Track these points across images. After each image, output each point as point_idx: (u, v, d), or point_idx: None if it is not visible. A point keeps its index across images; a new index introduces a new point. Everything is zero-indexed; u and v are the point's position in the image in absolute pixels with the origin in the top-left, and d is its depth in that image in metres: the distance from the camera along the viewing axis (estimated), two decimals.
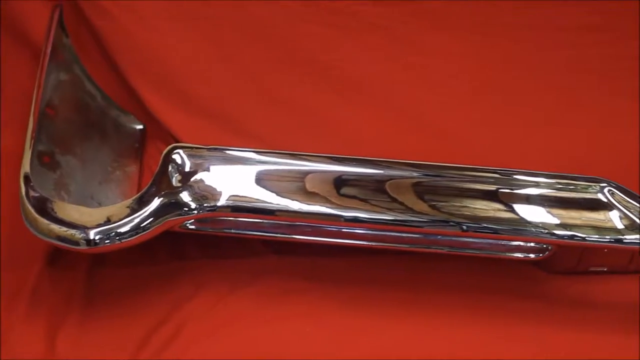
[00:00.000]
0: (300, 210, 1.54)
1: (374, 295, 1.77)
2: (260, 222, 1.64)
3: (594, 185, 1.59)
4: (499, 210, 1.57)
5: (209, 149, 1.57)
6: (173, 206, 1.52)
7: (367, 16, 1.89)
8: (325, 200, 1.55)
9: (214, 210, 1.54)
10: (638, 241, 1.57)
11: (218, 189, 1.54)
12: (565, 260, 1.80)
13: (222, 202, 1.54)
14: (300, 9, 1.87)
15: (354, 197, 1.55)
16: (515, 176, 1.59)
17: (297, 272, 1.79)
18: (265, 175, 1.55)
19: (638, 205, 1.57)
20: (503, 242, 1.67)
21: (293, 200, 1.54)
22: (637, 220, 1.56)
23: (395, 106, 1.92)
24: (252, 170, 1.55)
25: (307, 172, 1.56)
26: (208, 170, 1.55)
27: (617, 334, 1.73)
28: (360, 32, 1.90)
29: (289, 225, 1.64)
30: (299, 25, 1.88)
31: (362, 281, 1.79)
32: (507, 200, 1.57)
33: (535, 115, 1.94)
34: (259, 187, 1.54)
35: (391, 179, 1.56)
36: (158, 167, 1.55)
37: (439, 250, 1.69)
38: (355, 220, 1.55)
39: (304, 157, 1.57)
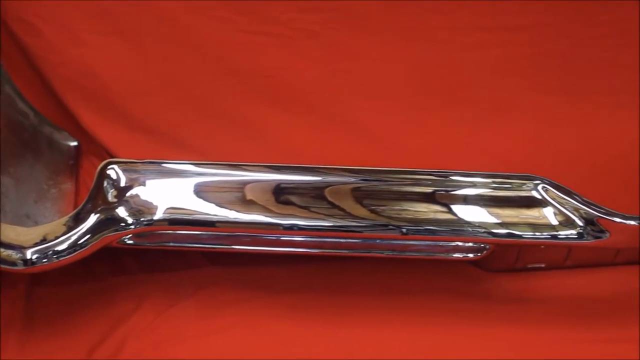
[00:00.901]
0: (239, 220, 1.56)
1: (316, 301, 1.80)
2: (199, 234, 1.65)
3: (528, 183, 1.62)
4: (438, 211, 1.60)
5: (143, 163, 1.58)
6: (110, 222, 1.53)
7: (299, 23, 1.90)
8: (264, 210, 1.56)
9: (151, 224, 1.55)
10: (574, 236, 1.61)
11: (154, 203, 1.55)
12: (503, 258, 1.86)
13: (158, 215, 1.55)
14: (231, 18, 1.88)
15: (293, 205, 1.57)
16: (451, 177, 1.62)
17: (238, 282, 1.82)
18: (204, 187, 1.56)
19: (572, 200, 1.61)
20: (442, 244, 1.70)
21: (232, 210, 1.56)
22: (571, 215, 1.61)
23: (330, 112, 1.94)
24: (190, 183, 1.56)
25: (245, 182, 1.57)
26: (144, 184, 1.56)
27: (556, 328, 1.79)
28: (293, 39, 1.91)
29: (228, 236, 1.65)
30: (231, 35, 1.89)
31: (303, 288, 1.83)
32: (445, 202, 1.60)
33: (466, 115, 1.97)
34: (197, 199, 1.56)
35: (330, 186, 1.58)
36: (93, 183, 1.55)
37: (378, 255, 1.71)
38: (296, 228, 1.57)
39: (242, 167, 1.59)
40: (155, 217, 1.55)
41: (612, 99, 1.99)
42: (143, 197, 1.56)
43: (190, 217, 1.56)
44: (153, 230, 1.58)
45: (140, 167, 1.57)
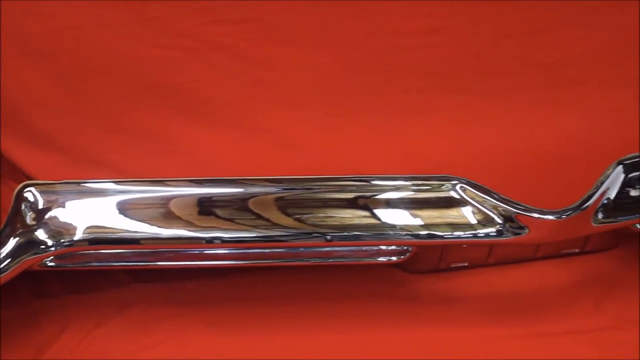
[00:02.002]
0: (163, 236, 1.60)
1: (243, 313, 1.84)
2: (121, 252, 1.68)
3: (447, 184, 1.68)
4: (360, 216, 1.66)
5: (61, 184, 1.61)
6: (29, 245, 1.56)
7: (208, 36, 1.93)
8: (189, 224, 1.61)
9: (72, 245, 1.58)
10: (493, 234, 1.68)
11: (74, 224, 1.58)
12: (427, 259, 1.92)
13: (78, 236, 1.58)
14: (142, 34, 1.90)
15: (218, 217, 1.62)
16: (372, 182, 1.68)
17: (164, 298, 1.85)
18: (125, 204, 1.60)
19: (490, 199, 1.68)
20: (365, 248, 1.76)
21: (155, 227, 1.60)
22: (490, 213, 1.68)
23: (247, 123, 1.97)
24: (111, 201, 1.59)
25: (168, 198, 1.61)
26: (63, 205, 1.59)
27: (482, 325, 1.86)
28: (204, 52, 1.94)
29: (152, 252, 1.68)
30: (142, 51, 1.91)
31: (230, 301, 1.87)
32: (367, 206, 1.66)
33: (385, 119, 2.02)
34: (118, 218, 1.59)
35: (253, 197, 1.63)
36: (11, 207, 1.58)
37: (304, 263, 1.75)
38: (221, 240, 1.62)
39: (163, 182, 1.63)
40: (76, 238, 1.58)
41: (527, 96, 2.06)
42: (62, 218, 1.58)
43: (112, 236, 1.59)
44: (74, 251, 1.60)
45: (58, 188, 1.60)
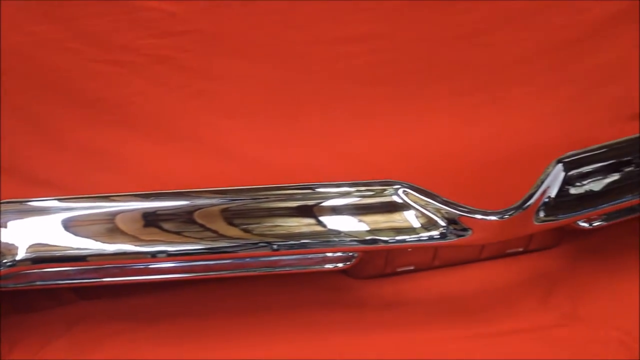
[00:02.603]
0: (109, 252, 1.63)
1: (192, 326, 1.87)
2: (66, 270, 1.69)
3: (389, 189, 1.73)
4: (306, 224, 1.71)
5: (4, 204, 1.62)
6: None
7: (150, 49, 1.95)
8: (135, 239, 1.64)
9: (14, 265, 1.60)
10: (437, 237, 1.74)
11: (16, 243, 1.60)
12: (372, 265, 1.96)
13: (21, 255, 1.60)
14: (81, 49, 1.91)
15: (165, 231, 1.65)
16: (317, 189, 1.73)
17: (111, 314, 1.87)
18: (69, 222, 1.63)
19: (433, 202, 1.73)
20: (311, 256, 1.80)
21: (101, 243, 1.62)
22: (433, 216, 1.73)
23: (191, 135, 2.00)
24: (56, 219, 1.62)
25: (114, 213, 1.64)
26: (5, 225, 1.61)
27: (431, 328, 1.90)
28: (146, 65, 1.96)
29: (97, 269, 1.70)
30: (83, 66, 1.93)
31: (176, 314, 1.89)
32: (312, 214, 1.71)
33: (328, 126, 2.06)
34: (63, 235, 1.62)
35: (199, 209, 1.67)
36: None
37: (251, 273, 1.79)
38: (167, 254, 1.65)
39: (108, 198, 1.66)
40: (18, 258, 1.60)
41: (470, 99, 2.13)
42: (4, 238, 1.60)
43: (57, 254, 1.62)
44: (17, 271, 1.62)
45: (1, 208, 1.61)
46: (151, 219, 1.66)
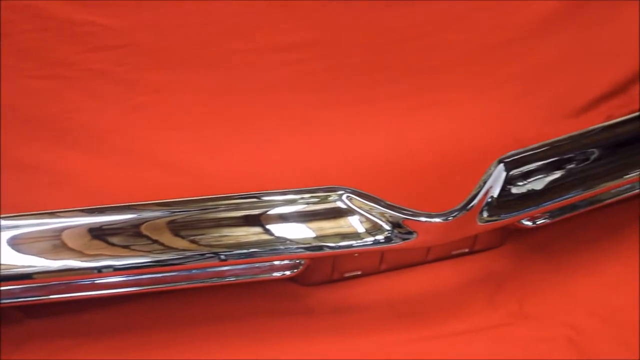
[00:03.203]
0: (57, 269, 1.65)
1: (142, 340, 1.89)
2: (11, 288, 1.70)
3: (333, 195, 1.78)
4: (253, 233, 1.75)
5: None
6: None
7: (88, 64, 1.98)
8: (82, 255, 1.66)
9: None
10: (382, 241, 1.78)
11: None
12: (320, 271, 1.99)
13: None
14: (18, 65, 1.94)
15: (112, 245, 1.68)
16: (262, 198, 1.77)
17: (59, 332, 1.88)
18: (15, 240, 1.64)
19: (377, 206, 1.78)
20: (258, 265, 1.84)
21: (48, 260, 1.64)
22: (378, 221, 1.78)
23: (132, 148, 2.02)
24: (1, 237, 1.63)
25: (60, 230, 1.66)
26: None
27: (381, 332, 1.94)
28: (83, 80, 1.99)
29: (44, 286, 1.71)
30: (20, 82, 1.95)
31: (127, 328, 1.91)
32: (258, 222, 1.75)
33: (269, 135, 2.10)
34: (9, 253, 1.63)
35: (146, 222, 1.70)
36: None
37: (199, 284, 1.83)
38: (114, 268, 1.68)
39: (54, 214, 1.68)
40: None
41: (408, 102, 2.18)
42: None
43: (2, 273, 1.62)
44: None
45: None
46: (97, 234, 1.69)
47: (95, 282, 1.75)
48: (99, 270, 1.67)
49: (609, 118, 2.16)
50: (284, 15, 2.09)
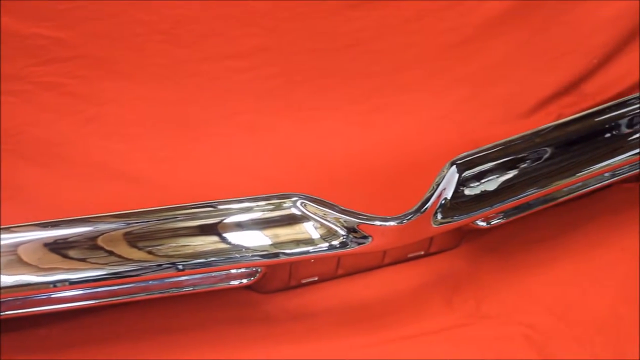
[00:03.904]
0: (13, 284, 1.67)
1: (97, 354, 1.92)
2: None
3: (287, 201, 1.82)
4: (209, 242, 1.78)
5: None
6: None
7: (37, 76, 2.00)
8: (39, 270, 1.69)
9: None
10: (338, 246, 1.83)
11: None
12: (277, 278, 2.03)
13: None
14: None
15: (70, 259, 1.71)
16: (218, 207, 1.81)
17: (17, 348, 1.89)
18: None
19: (331, 211, 1.82)
20: (215, 274, 1.87)
21: (4, 276, 1.66)
22: (333, 226, 1.82)
23: (85, 160, 2.04)
24: None
25: (16, 245, 1.68)
26: None
27: (340, 337, 2.00)
28: (35, 93, 2.01)
29: (1, 302, 1.72)
30: None
31: (83, 342, 1.94)
32: (214, 231, 1.79)
33: (224, 143, 2.14)
34: None
35: (102, 234, 1.73)
36: None
37: (157, 295, 1.85)
38: (71, 282, 1.70)
39: (8, 230, 1.70)
40: None
41: (362, 106, 2.23)
42: None
43: None
44: None
45: None
46: (53, 248, 1.71)
47: (52, 296, 1.76)
48: (55, 284, 1.69)
49: (559, 117, 2.23)
50: (232, 24, 2.12)
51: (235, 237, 1.80)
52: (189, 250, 1.78)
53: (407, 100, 2.26)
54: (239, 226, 1.81)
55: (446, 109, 2.28)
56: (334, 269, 2.08)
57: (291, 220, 1.82)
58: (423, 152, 2.19)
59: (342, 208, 1.84)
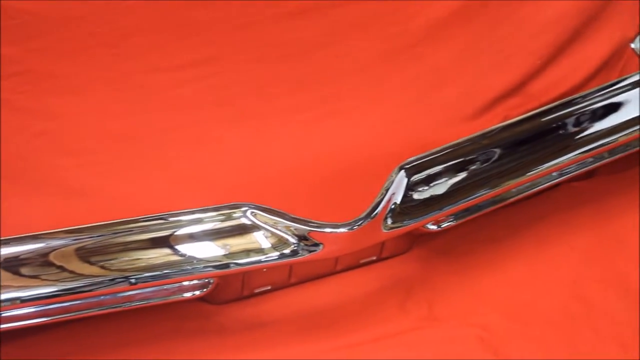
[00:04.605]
0: None
1: None
2: None
3: (237, 211, 1.86)
4: (162, 255, 1.82)
5: None
6: None
7: None
8: None
9: None
10: (289, 254, 1.87)
11: None
12: (230, 289, 2.06)
13: None
14: None
15: (21, 276, 1.73)
16: (169, 219, 1.84)
17: None
18: None
19: (282, 220, 1.86)
20: (167, 287, 1.90)
21: None
22: (284, 235, 1.86)
23: (35, 176, 2.03)
24: None
25: None
26: None
27: (295, 345, 2.04)
28: None
29: None
30: None
31: None
32: (166, 243, 1.82)
33: (171, 155, 2.15)
34: None
35: (54, 250, 1.75)
36: None
37: (109, 310, 1.88)
38: (22, 300, 1.72)
39: None
40: None
41: (307, 114, 2.25)
42: None
43: None
44: None
45: None
46: (5, 266, 1.72)
47: (2, 315, 1.77)
48: (8, 302, 1.71)
49: (506, 118, 2.26)
50: (176, 36, 2.17)
51: (186, 249, 1.83)
52: (141, 264, 1.80)
53: (354, 107, 2.29)
54: (190, 238, 1.84)
55: (394, 114, 2.31)
56: (286, 278, 2.11)
57: (242, 230, 1.86)
58: (372, 157, 2.21)
59: (293, 216, 1.88)
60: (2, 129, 2.04)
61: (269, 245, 1.86)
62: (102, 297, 1.84)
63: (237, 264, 1.85)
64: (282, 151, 2.21)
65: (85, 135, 2.10)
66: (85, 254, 1.77)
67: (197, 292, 1.95)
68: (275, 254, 1.86)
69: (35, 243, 1.76)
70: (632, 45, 2.46)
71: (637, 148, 2.26)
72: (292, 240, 1.86)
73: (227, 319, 2.08)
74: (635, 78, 2.19)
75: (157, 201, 2.06)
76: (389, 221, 1.93)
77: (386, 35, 2.32)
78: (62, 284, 1.75)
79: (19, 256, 1.75)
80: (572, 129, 2.13)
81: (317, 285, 2.16)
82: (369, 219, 1.89)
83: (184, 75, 2.18)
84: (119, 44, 2.13)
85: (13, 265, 1.74)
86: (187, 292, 1.94)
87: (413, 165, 1.95)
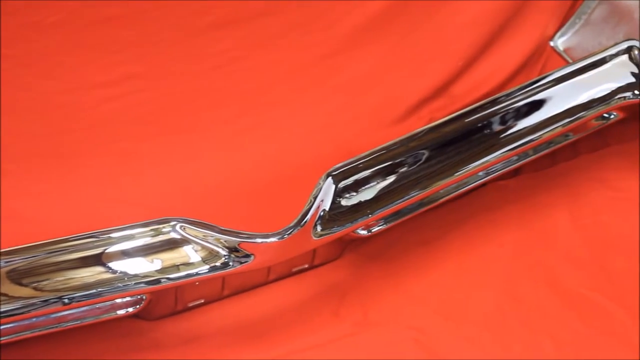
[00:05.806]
0: None
1: None
2: None
3: (166, 226, 1.89)
4: (93, 274, 1.84)
5: None
6: None
7: None
8: None
9: None
10: (220, 266, 1.91)
11: None
12: (163, 304, 2.10)
13: None
14: None
15: None
16: (100, 237, 1.86)
17: None
18: None
19: (211, 232, 1.90)
20: (99, 305, 1.94)
21: None
22: (214, 247, 1.90)
23: None
24: None
25: None
26: None
27: (228, 357, 2.08)
28: None
29: None
30: None
31: None
32: (98, 262, 1.84)
33: (100, 172, 2.16)
34: None
35: None
36: None
37: (41, 332, 1.90)
38: None
39: None
40: None
41: (234, 126, 2.30)
42: None
43: None
44: None
45: None
46: None
47: None
48: None
49: (431, 120, 2.30)
50: (98, 52, 2.22)
51: (117, 266, 1.86)
52: (74, 283, 1.82)
53: (280, 116, 2.34)
54: (121, 254, 1.86)
55: (320, 121, 2.37)
56: (219, 290, 2.16)
57: (172, 244, 1.89)
58: (300, 166, 2.27)
59: (222, 228, 1.91)
60: None
61: (200, 259, 1.90)
62: (34, 320, 1.86)
63: (168, 279, 1.88)
64: (211, 164, 2.25)
65: (8, 157, 2.11)
66: (17, 276, 1.80)
67: (131, 309, 1.98)
68: (206, 267, 1.90)
69: None
70: (552, 43, 2.58)
71: (561, 144, 2.35)
72: (223, 252, 1.90)
73: (162, 335, 2.12)
74: (556, 75, 2.26)
75: (86, 220, 2.07)
76: (319, 228, 1.98)
77: (308, 44, 2.39)
78: None
79: None
80: (496, 128, 2.19)
81: (251, 295, 2.20)
82: (298, 228, 1.93)
83: (107, 93, 2.22)
84: (38, 63, 2.18)
85: None
86: (120, 309, 1.98)
87: (340, 172, 2.00)
